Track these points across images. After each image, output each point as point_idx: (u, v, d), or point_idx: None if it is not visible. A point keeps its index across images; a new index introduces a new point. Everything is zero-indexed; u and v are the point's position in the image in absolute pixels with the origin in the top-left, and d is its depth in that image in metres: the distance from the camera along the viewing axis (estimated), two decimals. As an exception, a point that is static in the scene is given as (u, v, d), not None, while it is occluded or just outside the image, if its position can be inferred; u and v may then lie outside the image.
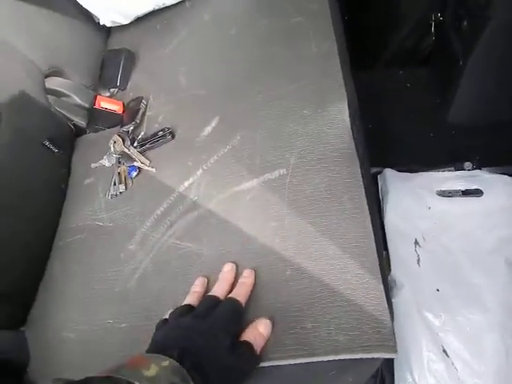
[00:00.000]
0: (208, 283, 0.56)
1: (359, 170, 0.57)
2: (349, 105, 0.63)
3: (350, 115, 0.62)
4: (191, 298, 0.53)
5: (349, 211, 0.54)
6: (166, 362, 0.39)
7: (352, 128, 0.61)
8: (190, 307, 0.51)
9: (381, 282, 0.48)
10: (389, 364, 0.75)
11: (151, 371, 0.38)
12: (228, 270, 0.55)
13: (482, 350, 0.70)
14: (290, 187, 0.59)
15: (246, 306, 0.50)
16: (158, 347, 0.44)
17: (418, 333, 0.75)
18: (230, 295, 0.51)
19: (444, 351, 0.72)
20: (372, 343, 0.45)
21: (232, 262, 0.56)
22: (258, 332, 0.47)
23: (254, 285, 0.53)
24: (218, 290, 0.52)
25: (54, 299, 0.65)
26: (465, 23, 0.80)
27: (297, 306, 0.50)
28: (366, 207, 0.54)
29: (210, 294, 0.52)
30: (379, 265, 0.50)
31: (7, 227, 0.65)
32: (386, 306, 0.47)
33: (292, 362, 0.47)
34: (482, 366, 0.69)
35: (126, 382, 0.36)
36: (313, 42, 0.71)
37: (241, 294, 0.51)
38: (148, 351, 0.45)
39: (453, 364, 0.71)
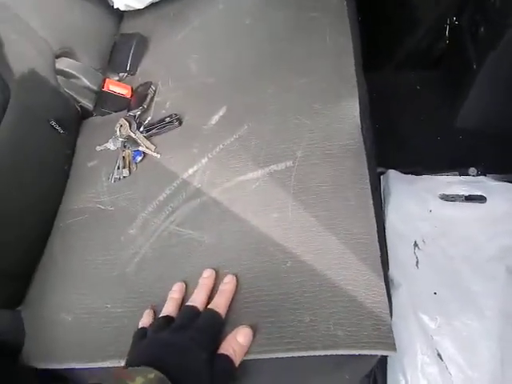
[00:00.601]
0: (186, 288, 0.55)
1: (366, 167, 0.57)
2: (360, 102, 0.63)
3: (361, 112, 0.62)
4: (170, 307, 0.52)
5: (353, 207, 0.54)
6: (152, 375, 0.40)
7: (361, 125, 0.61)
8: (168, 319, 0.50)
9: (382, 279, 0.48)
10: (382, 364, 0.75)
11: (136, 383, 0.38)
12: (207, 275, 0.54)
13: (476, 357, 0.70)
14: (295, 180, 0.59)
15: (238, 303, 0.51)
16: (138, 361, 0.44)
17: (413, 335, 0.75)
18: (209, 306, 0.50)
19: (438, 355, 0.72)
20: (371, 340, 0.44)
21: (228, 256, 0.56)
22: (236, 343, 0.46)
23: (237, 288, 0.53)
24: (198, 299, 0.51)
25: (52, 279, 0.65)
26: (481, 29, 0.80)
27: (296, 298, 0.50)
28: (371, 204, 0.54)
29: (188, 303, 0.51)
30: (381, 262, 0.50)
31: (10, 205, 0.64)
32: (387, 303, 0.47)
33: (289, 354, 0.46)
34: (476, 373, 0.69)
35: None
36: (328, 37, 0.71)
37: (220, 304, 0.50)
38: (128, 365, 0.45)
39: (447, 368, 0.70)
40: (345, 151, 0.59)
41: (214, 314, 0.49)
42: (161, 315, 0.52)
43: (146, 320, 0.53)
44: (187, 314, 0.50)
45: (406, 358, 0.73)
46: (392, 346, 0.44)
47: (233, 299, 0.51)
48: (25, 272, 0.67)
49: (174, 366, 0.42)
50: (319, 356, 0.46)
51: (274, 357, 0.47)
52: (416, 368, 0.72)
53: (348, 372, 0.50)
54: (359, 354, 0.45)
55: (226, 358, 0.45)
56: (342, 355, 0.45)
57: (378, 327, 0.45)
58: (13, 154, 0.65)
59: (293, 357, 0.47)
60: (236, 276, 0.53)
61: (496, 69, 0.84)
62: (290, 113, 0.65)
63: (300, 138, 0.62)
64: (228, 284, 0.52)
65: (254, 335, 0.48)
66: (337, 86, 0.66)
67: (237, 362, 0.45)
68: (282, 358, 0.47)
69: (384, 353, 0.44)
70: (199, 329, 0.47)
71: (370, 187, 0.55)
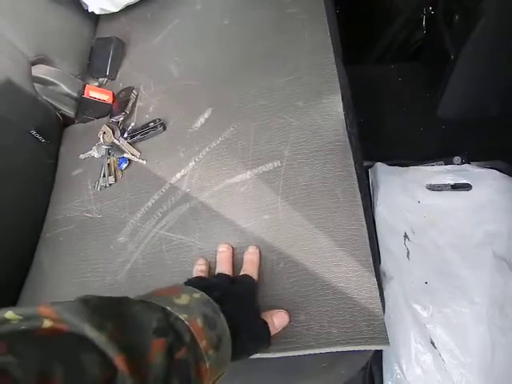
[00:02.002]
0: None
1: (353, 162, 0.57)
2: (342, 97, 0.63)
3: (344, 107, 0.62)
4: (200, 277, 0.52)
5: (342, 204, 0.55)
6: (198, 295, 0.39)
7: (346, 120, 0.61)
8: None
9: (374, 274, 0.49)
10: (377, 356, 0.76)
11: (182, 300, 0.38)
12: (224, 249, 0.55)
13: (468, 342, 0.71)
14: (284, 179, 0.59)
15: None
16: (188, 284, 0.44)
17: (406, 325, 0.76)
18: (242, 272, 0.50)
19: (432, 343, 0.73)
20: (364, 335, 0.45)
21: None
22: (271, 320, 0.46)
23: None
24: (224, 269, 0.51)
25: (42, 292, 0.64)
26: (456, 17, 0.81)
27: (290, 298, 0.50)
28: (359, 200, 0.54)
29: (218, 272, 0.51)
30: (372, 258, 0.50)
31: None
32: (379, 298, 0.47)
33: (285, 354, 0.47)
34: (469, 358, 0.70)
35: (158, 307, 0.35)
36: (306, 34, 0.71)
37: (251, 270, 0.51)
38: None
39: (440, 355, 0.72)
40: (331, 148, 0.59)
41: (249, 279, 0.49)
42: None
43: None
44: (222, 279, 0.49)
45: (401, 348, 0.74)
46: (385, 341, 0.45)
47: None
48: (13, 286, 0.66)
49: (230, 302, 0.42)
50: (314, 354, 0.46)
51: (270, 356, 0.47)
52: (410, 357, 0.73)
53: (344, 367, 0.50)
54: (354, 350, 0.45)
55: (264, 324, 0.45)
56: (337, 352, 0.46)
57: (372, 323, 0.46)
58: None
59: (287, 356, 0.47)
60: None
61: (473, 56, 0.84)
62: (275, 112, 0.65)
63: (286, 137, 0.62)
64: (254, 254, 0.53)
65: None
66: (318, 82, 0.66)
67: (271, 332, 0.45)
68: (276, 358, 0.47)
69: (378, 347, 0.45)
70: (242, 289, 0.47)
71: (357, 183, 0.55)
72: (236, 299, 0.44)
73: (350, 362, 0.49)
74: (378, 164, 0.94)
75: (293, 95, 0.65)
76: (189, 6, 0.85)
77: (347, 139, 0.59)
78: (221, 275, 0.50)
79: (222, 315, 0.39)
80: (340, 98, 0.63)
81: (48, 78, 0.78)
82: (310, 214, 0.55)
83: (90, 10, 0.86)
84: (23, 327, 0.28)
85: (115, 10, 0.87)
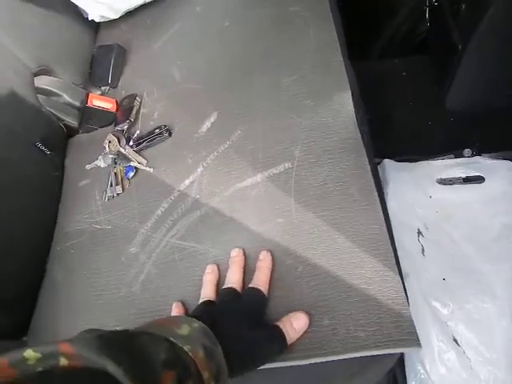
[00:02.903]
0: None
1: (367, 160, 0.56)
2: (352, 94, 0.62)
3: (354, 105, 0.60)
4: (208, 290, 0.51)
5: (358, 203, 0.53)
6: (196, 324, 0.40)
7: (356, 118, 0.60)
8: (208, 303, 0.49)
9: (397, 273, 0.47)
10: (399, 357, 0.74)
11: (183, 330, 0.38)
12: (236, 254, 0.54)
13: (492, 338, 0.70)
14: (296, 181, 0.57)
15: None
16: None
17: (426, 323, 0.74)
18: (250, 285, 0.49)
19: (454, 340, 0.72)
20: (393, 338, 0.44)
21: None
22: (290, 325, 0.45)
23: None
24: (233, 278, 0.50)
25: (57, 306, 0.62)
26: (463, 7, 0.79)
27: (311, 303, 0.48)
28: (377, 198, 0.53)
29: (226, 286, 0.50)
30: (394, 256, 0.49)
31: (2, 233, 0.62)
32: (405, 298, 0.46)
33: (310, 361, 0.45)
34: (494, 354, 0.69)
35: (161, 338, 0.36)
36: (311, 31, 0.69)
37: (261, 280, 0.49)
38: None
39: (464, 353, 0.70)
40: (343, 146, 0.58)
41: (256, 292, 0.48)
42: (200, 301, 0.50)
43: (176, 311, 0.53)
44: (227, 296, 0.49)
45: (423, 346, 0.72)
46: (416, 342, 0.43)
47: None
48: (27, 300, 0.65)
49: (222, 323, 0.43)
50: (341, 360, 0.45)
51: (296, 364, 0.46)
52: (433, 356, 0.72)
53: (372, 372, 0.49)
54: (383, 354, 0.44)
55: (277, 328, 0.44)
56: (365, 357, 0.44)
57: (400, 324, 0.44)
58: None
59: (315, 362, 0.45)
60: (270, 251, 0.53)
61: (481, 47, 0.83)
62: (283, 112, 0.63)
63: (296, 138, 0.60)
64: (264, 261, 0.51)
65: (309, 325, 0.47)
66: (327, 80, 0.64)
67: (289, 340, 0.45)
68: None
69: (409, 350, 0.43)
70: (245, 306, 0.47)
71: (373, 181, 0.54)
72: (230, 315, 0.45)
73: (378, 366, 0.47)
74: (386, 161, 0.93)
75: (301, 94, 0.64)
76: (189, 9, 0.84)
77: (359, 137, 0.58)
78: (226, 291, 0.49)
79: (219, 346, 0.39)
80: (350, 95, 0.61)
81: (51, 88, 0.77)
82: (325, 215, 0.53)
83: (90, 18, 0.85)
84: (40, 369, 0.28)
85: (115, 16, 0.86)
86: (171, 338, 0.36)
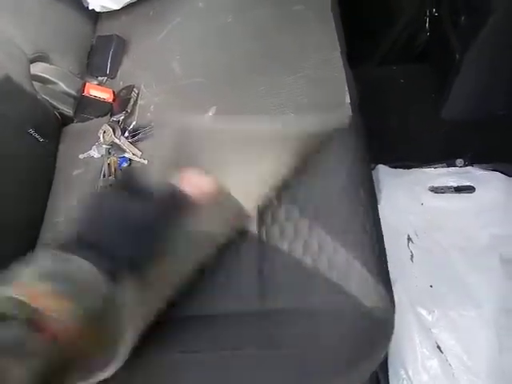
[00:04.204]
0: None
1: (367, 164, 0.56)
2: (350, 97, 0.62)
3: (352, 106, 0.61)
4: None
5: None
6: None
7: (353, 120, 0.60)
8: None
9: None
10: (382, 361, 0.74)
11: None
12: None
13: (475, 346, 0.70)
14: None
15: None
16: None
17: (411, 329, 0.75)
18: None
19: (438, 347, 0.72)
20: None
21: None
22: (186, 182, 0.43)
23: None
24: None
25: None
26: (462, 18, 0.80)
27: None
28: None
29: None
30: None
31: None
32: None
33: None
34: (476, 363, 0.69)
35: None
36: (313, 30, 0.70)
37: None
38: None
39: (447, 360, 0.71)
40: (343, 150, 0.58)
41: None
42: None
43: None
44: None
45: (406, 353, 0.72)
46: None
47: None
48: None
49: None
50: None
51: None
52: (416, 362, 0.72)
53: (355, 372, 0.49)
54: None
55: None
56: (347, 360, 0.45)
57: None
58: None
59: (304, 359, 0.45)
60: None
61: (479, 57, 0.84)
62: (282, 111, 0.63)
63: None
64: None
65: None
66: (326, 80, 0.64)
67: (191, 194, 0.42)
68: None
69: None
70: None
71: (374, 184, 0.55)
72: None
73: (361, 368, 0.48)
74: (380, 166, 0.93)
75: (300, 94, 0.64)
76: (191, 4, 0.84)
77: (356, 139, 0.58)
78: None
79: (79, 259, 0.34)
80: (348, 96, 0.62)
81: (47, 76, 0.76)
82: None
83: (90, 8, 0.84)
84: None
85: (116, 7, 0.85)
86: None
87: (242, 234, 0.55)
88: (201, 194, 0.43)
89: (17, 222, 0.66)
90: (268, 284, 0.53)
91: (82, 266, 0.34)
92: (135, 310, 0.37)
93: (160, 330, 0.47)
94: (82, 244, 0.37)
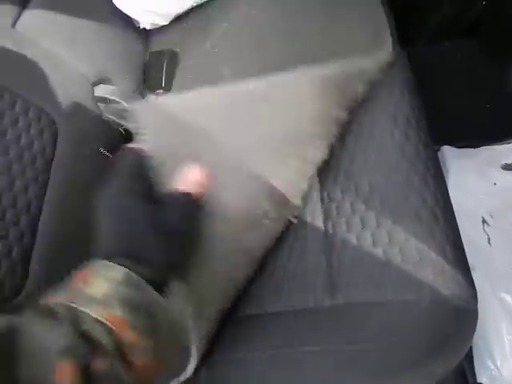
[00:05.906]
0: None
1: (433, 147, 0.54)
2: (406, 80, 0.60)
3: (409, 90, 0.59)
4: None
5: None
6: (114, 272, 0.33)
7: (412, 103, 0.58)
8: None
9: None
10: (467, 353, 0.71)
11: (95, 289, 0.31)
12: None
13: None
14: None
15: None
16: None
17: (495, 316, 0.70)
18: None
19: (528, 334, 0.67)
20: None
21: None
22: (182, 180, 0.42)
23: None
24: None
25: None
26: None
27: None
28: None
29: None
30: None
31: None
32: None
33: None
34: None
35: (62, 318, 0.29)
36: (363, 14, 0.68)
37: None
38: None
39: (539, 348, 0.66)
40: (404, 137, 0.56)
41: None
42: None
43: None
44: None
45: (493, 342, 0.68)
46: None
47: None
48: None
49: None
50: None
51: None
52: (504, 351, 0.68)
53: (437, 365, 0.47)
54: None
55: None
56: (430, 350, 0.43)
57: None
58: (71, 191, 0.66)
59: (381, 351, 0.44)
60: None
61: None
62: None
63: None
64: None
65: None
66: (378, 65, 0.63)
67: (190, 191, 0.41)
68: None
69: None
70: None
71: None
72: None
73: (443, 360, 0.46)
74: (446, 147, 0.89)
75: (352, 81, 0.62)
76: (234, 10, 0.85)
77: (420, 124, 0.56)
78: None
79: (149, 287, 0.33)
80: (403, 80, 0.60)
81: (109, 96, 0.81)
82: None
83: (141, 27, 0.88)
84: None
85: (165, 22, 0.89)
86: (79, 308, 0.29)
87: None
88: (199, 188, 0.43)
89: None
90: (338, 278, 0.53)
91: (152, 297, 0.33)
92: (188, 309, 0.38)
93: (230, 330, 0.48)
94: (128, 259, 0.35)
